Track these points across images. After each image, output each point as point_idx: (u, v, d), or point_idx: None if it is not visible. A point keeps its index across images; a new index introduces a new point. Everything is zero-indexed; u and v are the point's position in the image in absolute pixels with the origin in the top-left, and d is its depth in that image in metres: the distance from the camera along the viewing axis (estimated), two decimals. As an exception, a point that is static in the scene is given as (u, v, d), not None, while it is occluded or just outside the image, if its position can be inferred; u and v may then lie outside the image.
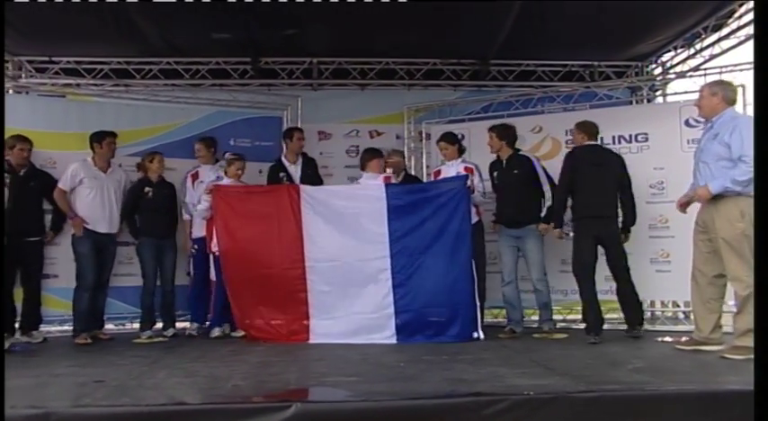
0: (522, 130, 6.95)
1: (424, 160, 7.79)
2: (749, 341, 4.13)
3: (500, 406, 3.11)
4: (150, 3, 6.26)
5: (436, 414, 3.10)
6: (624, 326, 5.70)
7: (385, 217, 5.69)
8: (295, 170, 6.58)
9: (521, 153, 5.99)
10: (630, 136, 6.63)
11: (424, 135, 7.82)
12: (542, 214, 5.76)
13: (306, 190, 5.94)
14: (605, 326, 5.63)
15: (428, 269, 5.62)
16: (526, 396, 3.21)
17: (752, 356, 3.78)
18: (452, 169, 6.27)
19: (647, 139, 6.52)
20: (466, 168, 6.20)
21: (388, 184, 5.95)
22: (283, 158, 6.70)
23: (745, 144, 4.35)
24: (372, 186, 5.98)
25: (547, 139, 6.96)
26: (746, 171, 4.35)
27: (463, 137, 7.09)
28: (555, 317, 6.90)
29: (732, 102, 4.70)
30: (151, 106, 7.56)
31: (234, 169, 6.24)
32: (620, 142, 6.68)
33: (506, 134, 6.02)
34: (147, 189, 6.32)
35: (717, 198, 4.55)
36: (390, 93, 8.46)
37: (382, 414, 3.12)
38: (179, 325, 6.56)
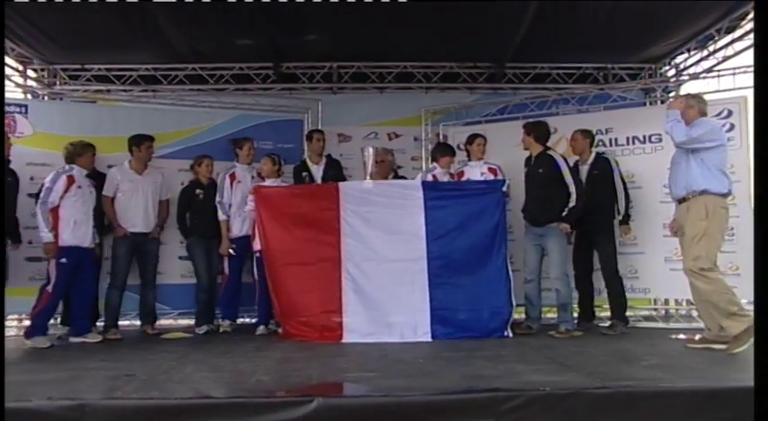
0: (537, 131, 6.94)
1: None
2: (738, 326, 4.40)
3: (517, 401, 3.09)
4: (176, 11, 6.33)
5: (455, 409, 3.09)
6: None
7: (422, 217, 5.64)
8: (317, 170, 6.58)
9: (548, 152, 5.89)
10: (644, 137, 6.59)
11: (441, 137, 7.78)
12: (564, 214, 5.68)
13: (344, 188, 5.85)
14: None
15: (464, 269, 5.59)
16: (542, 392, 3.20)
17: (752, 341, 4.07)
18: (476, 170, 6.22)
19: (660, 140, 6.42)
20: (489, 169, 6.15)
21: (425, 184, 5.87)
22: (307, 159, 6.73)
23: (701, 130, 4.66)
24: (410, 185, 5.94)
25: (562, 140, 6.88)
26: (694, 131, 4.64)
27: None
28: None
29: (704, 113, 4.87)
30: (178, 110, 7.65)
31: (269, 168, 6.28)
32: (633, 143, 6.64)
33: (534, 129, 5.92)
34: (198, 191, 6.47)
35: (688, 199, 4.73)
36: (408, 96, 8.44)
37: (402, 409, 3.12)
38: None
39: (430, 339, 5.40)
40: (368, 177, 5.96)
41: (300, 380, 3.83)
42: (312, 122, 7.85)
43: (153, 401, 3.19)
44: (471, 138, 6.41)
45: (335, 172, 6.70)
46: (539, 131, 5.91)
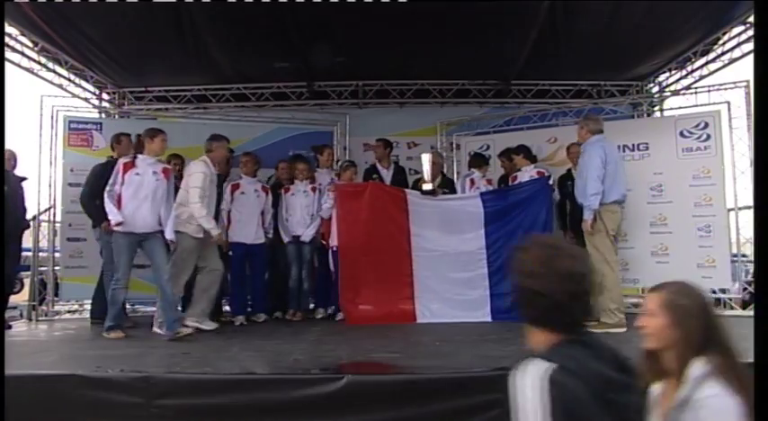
0: (539, 141, 6.92)
1: (454, 167, 7.73)
2: (607, 318, 4.77)
3: (522, 379, 3.08)
4: (225, 39, 6.40)
5: (467, 385, 3.09)
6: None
7: (482, 220, 5.73)
8: (386, 175, 6.46)
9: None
10: (633, 145, 6.51)
11: (454, 145, 7.76)
12: None
13: (411, 194, 5.90)
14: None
15: None
16: (544, 370, 3.18)
17: (609, 331, 4.43)
18: (526, 174, 6.10)
19: (647, 148, 6.39)
20: (538, 172, 6.05)
21: (482, 194, 5.92)
22: (377, 163, 6.62)
23: (589, 163, 4.97)
24: (469, 197, 6.00)
25: (561, 149, 6.85)
26: (591, 187, 4.90)
27: (489, 146, 7.07)
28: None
29: (596, 131, 5.10)
30: (225, 124, 7.64)
31: (349, 175, 6.11)
32: (624, 151, 6.51)
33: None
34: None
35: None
36: (425, 109, 8.38)
37: (421, 385, 3.13)
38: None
39: (490, 320, 5.45)
40: (427, 178, 5.96)
41: (332, 359, 3.84)
42: (341, 133, 7.86)
43: (206, 376, 3.24)
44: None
45: (401, 177, 6.55)
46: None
